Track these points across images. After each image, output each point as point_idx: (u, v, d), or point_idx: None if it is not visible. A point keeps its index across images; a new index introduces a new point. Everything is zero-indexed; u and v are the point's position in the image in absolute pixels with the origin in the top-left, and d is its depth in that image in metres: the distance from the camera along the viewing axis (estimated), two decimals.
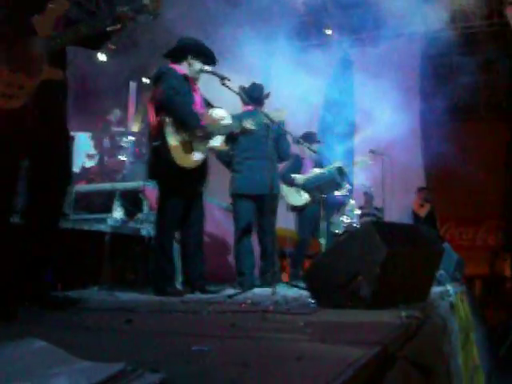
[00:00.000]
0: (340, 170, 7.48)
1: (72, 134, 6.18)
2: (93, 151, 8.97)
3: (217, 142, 5.59)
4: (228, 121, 5.68)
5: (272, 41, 14.01)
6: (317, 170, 8.37)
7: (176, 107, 5.31)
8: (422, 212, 12.65)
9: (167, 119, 5.25)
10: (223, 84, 5.41)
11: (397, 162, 9.80)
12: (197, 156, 5.39)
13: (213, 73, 5.53)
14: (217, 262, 7.82)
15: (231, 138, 5.79)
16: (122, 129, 9.06)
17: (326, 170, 7.76)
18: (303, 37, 14.04)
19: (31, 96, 3.15)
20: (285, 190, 8.29)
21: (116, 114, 9.28)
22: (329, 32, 13.95)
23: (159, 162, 5.28)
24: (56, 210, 3.42)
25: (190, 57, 5.56)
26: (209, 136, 5.47)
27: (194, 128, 5.34)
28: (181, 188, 5.40)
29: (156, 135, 5.29)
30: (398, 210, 11.60)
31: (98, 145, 8.95)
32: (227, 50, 14.58)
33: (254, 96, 6.77)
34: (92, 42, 3.82)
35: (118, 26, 3.64)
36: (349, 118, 13.39)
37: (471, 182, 13.79)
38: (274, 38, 13.96)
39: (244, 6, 11.99)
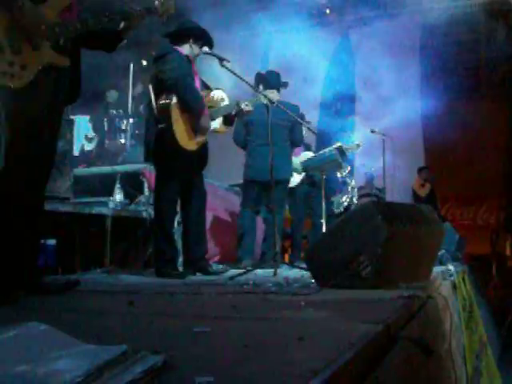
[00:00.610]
0: (341, 150, 7.46)
1: (71, 117, 6.17)
2: (92, 134, 8.95)
3: (216, 123, 5.60)
4: (226, 102, 5.67)
5: (272, 21, 13.96)
6: (308, 153, 8.38)
7: (185, 89, 5.28)
8: (423, 192, 12.64)
9: (173, 101, 5.23)
10: (222, 66, 5.39)
11: (397, 141, 9.77)
12: (198, 138, 5.38)
13: (212, 54, 5.51)
14: (221, 241, 7.88)
15: (229, 120, 5.78)
16: (121, 111, 9.03)
17: (326, 150, 7.73)
18: (303, 17, 13.94)
19: (34, 77, 3.16)
20: None
21: (112, 95, 9.24)
22: (328, 12, 13.87)
23: (162, 144, 5.25)
24: (38, 191, 3.40)
25: (191, 39, 5.53)
26: (205, 128, 5.47)
27: (196, 113, 5.33)
28: (179, 170, 5.39)
29: (161, 116, 5.27)
30: (400, 189, 11.59)
31: (97, 127, 8.92)
32: (226, 29, 14.58)
33: (271, 83, 6.84)
34: (105, 42, 3.84)
35: (126, 23, 3.66)
36: (350, 97, 13.34)
37: (472, 161, 13.75)
38: (273, 19, 13.92)
39: None
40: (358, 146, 9.03)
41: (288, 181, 7.35)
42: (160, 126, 5.24)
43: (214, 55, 5.53)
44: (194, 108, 5.33)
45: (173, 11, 4.04)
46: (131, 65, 9.20)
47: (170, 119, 5.20)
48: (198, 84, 5.58)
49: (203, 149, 5.56)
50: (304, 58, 12.42)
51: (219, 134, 5.82)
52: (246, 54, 13.23)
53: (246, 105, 5.66)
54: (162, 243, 5.37)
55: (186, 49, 5.53)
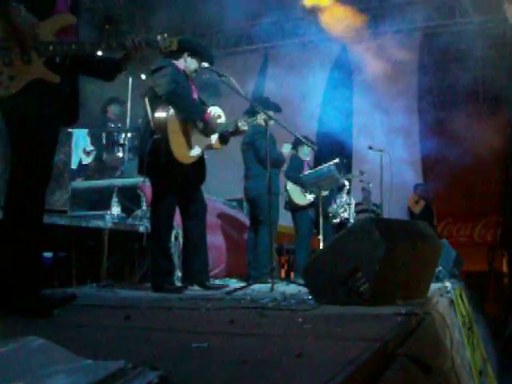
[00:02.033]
0: (338, 166, 7.49)
1: (69, 130, 6.17)
2: (90, 147, 8.94)
3: (212, 139, 5.62)
4: (223, 119, 5.70)
5: (270, 37, 14.05)
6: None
7: (181, 99, 5.31)
8: (417, 208, 12.65)
9: (170, 113, 5.24)
10: (221, 81, 5.42)
11: (395, 157, 9.79)
12: (194, 151, 5.39)
13: (211, 69, 5.54)
14: (225, 256, 7.95)
15: (224, 138, 5.79)
16: (119, 125, 9.02)
17: (324, 166, 7.76)
18: (302, 33, 14.03)
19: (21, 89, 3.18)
20: (289, 188, 8.34)
21: (113, 110, 9.25)
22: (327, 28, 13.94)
23: (157, 156, 5.24)
24: (38, 203, 3.40)
25: (186, 54, 5.54)
26: (210, 132, 5.50)
27: (198, 119, 5.37)
28: (175, 183, 5.39)
29: (157, 129, 5.26)
30: (397, 206, 11.60)
31: (95, 141, 8.92)
32: (226, 45, 14.66)
33: (268, 105, 7.00)
34: (104, 72, 3.87)
35: (125, 53, 3.69)
36: (347, 112, 13.38)
37: (469, 178, 13.79)
38: (271, 34, 14.01)
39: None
40: (362, 173, 9.10)
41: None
42: (155, 136, 5.24)
43: (213, 70, 5.57)
44: (195, 116, 5.37)
45: (175, 48, 4.05)
46: (130, 79, 9.20)
47: (166, 131, 5.20)
48: (195, 97, 5.60)
49: (200, 163, 5.57)
50: (302, 73, 12.46)
51: (215, 149, 5.83)
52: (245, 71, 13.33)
53: (243, 124, 5.69)
54: (159, 258, 5.36)
55: (181, 63, 5.55)
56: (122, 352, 1.95)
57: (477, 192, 14.10)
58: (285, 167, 8.11)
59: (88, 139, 8.91)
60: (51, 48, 3.30)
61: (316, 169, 8.09)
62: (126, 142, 8.51)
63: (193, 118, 5.37)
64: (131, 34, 3.70)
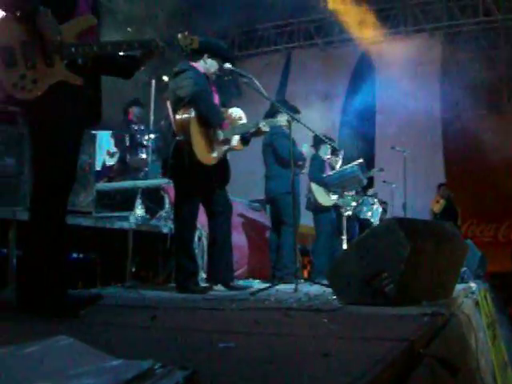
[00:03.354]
0: (362, 167, 7.47)
1: (93, 132, 6.21)
2: (114, 149, 9.00)
3: (234, 141, 5.63)
4: (244, 120, 5.71)
5: (292, 38, 14.06)
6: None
7: (203, 103, 5.33)
8: (437, 208, 12.60)
9: (192, 115, 5.26)
10: (244, 82, 5.43)
11: (418, 158, 9.75)
12: (216, 153, 5.41)
13: (234, 71, 5.55)
14: (249, 257, 7.98)
15: (246, 139, 5.80)
16: (142, 127, 9.07)
17: (347, 167, 7.73)
18: (324, 34, 14.02)
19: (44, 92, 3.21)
20: (314, 188, 8.32)
21: (135, 111, 9.30)
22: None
23: (180, 158, 5.27)
24: (63, 206, 3.43)
25: (206, 55, 5.55)
26: (228, 141, 5.53)
27: (216, 125, 5.39)
28: (198, 185, 5.42)
29: (180, 131, 5.30)
30: (420, 206, 11.54)
31: (118, 143, 8.97)
32: (248, 46, 14.69)
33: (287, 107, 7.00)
34: (122, 69, 3.88)
35: (145, 52, 3.70)
36: (370, 114, 13.33)
37: (492, 178, 13.67)
38: (293, 36, 14.02)
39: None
40: (382, 170, 9.06)
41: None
42: (178, 138, 5.26)
43: (236, 72, 5.58)
44: (215, 121, 5.39)
45: (196, 46, 4.07)
46: (153, 81, 9.25)
47: (188, 133, 5.23)
48: (216, 100, 5.62)
49: (223, 163, 5.59)
50: (325, 73, 12.45)
51: (236, 150, 5.83)
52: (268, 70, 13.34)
53: (264, 125, 5.69)
54: (183, 258, 5.39)
55: (201, 66, 5.56)
56: (149, 352, 1.96)
57: (500, 192, 13.98)
58: (307, 168, 8.09)
59: (111, 141, 8.97)
60: (73, 50, 3.33)
61: (339, 169, 8.08)
62: (150, 144, 8.56)
63: (212, 123, 5.39)
64: (153, 35, 3.71)
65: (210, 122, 5.36)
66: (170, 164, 5.35)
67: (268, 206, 8.45)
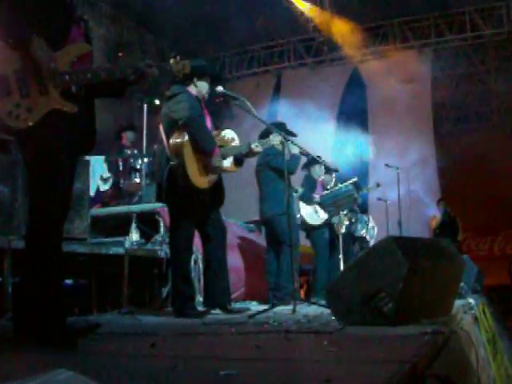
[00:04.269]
0: (357, 185, 7.48)
1: (86, 158, 6.20)
2: (107, 174, 8.98)
3: (227, 163, 5.64)
4: (237, 142, 5.72)
5: (282, 59, 14.13)
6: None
7: (197, 129, 5.35)
8: (433, 224, 12.65)
9: (185, 139, 5.27)
10: (236, 105, 5.45)
11: (412, 174, 9.77)
12: (209, 177, 5.42)
13: (226, 94, 5.56)
14: (246, 279, 7.95)
15: (239, 160, 5.81)
16: (135, 151, 9.07)
17: (342, 186, 7.74)
18: (314, 53, 14.10)
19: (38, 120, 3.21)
20: (301, 208, 8.31)
21: (128, 136, 9.31)
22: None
23: (174, 182, 5.27)
24: (59, 233, 3.42)
25: (195, 79, 5.57)
26: (212, 169, 5.49)
27: (207, 152, 5.38)
28: (193, 208, 5.41)
29: (173, 155, 5.30)
30: (416, 223, 11.54)
31: (112, 168, 8.97)
32: (238, 68, 14.76)
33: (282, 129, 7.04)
34: (114, 90, 3.88)
35: (138, 77, 3.70)
36: (363, 131, 13.36)
37: (486, 191, 13.73)
38: (284, 56, 14.09)
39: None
40: (378, 185, 9.07)
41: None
42: (172, 163, 5.27)
43: (228, 95, 5.60)
44: (206, 149, 5.37)
45: (188, 71, 4.09)
46: (145, 105, 9.27)
47: (182, 157, 5.23)
48: (208, 123, 5.63)
49: (218, 186, 5.58)
50: (316, 93, 12.49)
51: (229, 172, 5.84)
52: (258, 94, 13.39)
53: (256, 146, 5.71)
54: (180, 283, 5.36)
55: (192, 89, 5.57)
56: (150, 381, 1.94)
57: (495, 206, 14.03)
58: (299, 192, 8.10)
59: (105, 166, 8.96)
60: (67, 78, 3.32)
61: (334, 189, 8.08)
62: (143, 168, 8.55)
63: (203, 151, 5.37)
64: (144, 59, 3.71)
65: (202, 148, 5.36)
66: (164, 188, 5.35)
67: (263, 228, 8.44)
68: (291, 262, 5.85)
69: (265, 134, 6.77)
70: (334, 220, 8.34)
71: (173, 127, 5.36)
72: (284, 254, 7.03)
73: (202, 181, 5.34)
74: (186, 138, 5.28)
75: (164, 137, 5.41)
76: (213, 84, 5.65)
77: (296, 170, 7.29)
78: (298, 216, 8.30)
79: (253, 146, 5.67)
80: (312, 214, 8.24)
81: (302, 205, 8.31)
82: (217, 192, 5.61)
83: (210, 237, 5.59)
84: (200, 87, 5.59)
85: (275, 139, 5.90)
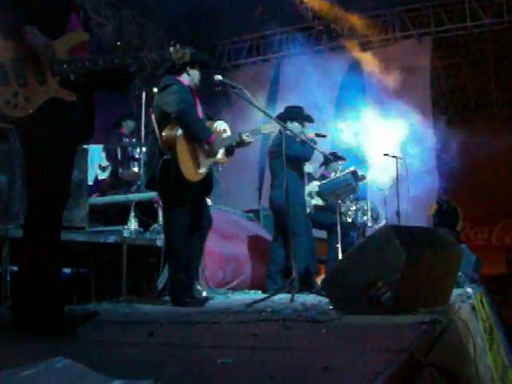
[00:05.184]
0: (354, 175, 7.46)
1: (85, 146, 6.19)
2: (106, 163, 8.98)
3: (219, 154, 5.66)
4: (229, 133, 5.75)
5: (281, 48, 14.08)
6: (315, 183, 8.32)
7: (190, 121, 5.35)
8: (430, 212, 12.68)
9: (178, 133, 5.28)
10: (235, 93, 5.44)
11: (410, 163, 9.73)
12: (202, 169, 5.46)
13: (224, 82, 5.55)
14: (248, 268, 7.97)
15: (230, 151, 5.81)
16: (134, 140, 9.07)
17: (340, 175, 7.72)
18: (313, 42, 14.05)
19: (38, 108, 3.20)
20: None
21: (129, 125, 9.31)
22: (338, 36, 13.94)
23: (167, 176, 5.30)
24: (57, 223, 3.41)
25: (188, 67, 5.57)
26: (215, 152, 5.55)
27: (204, 141, 5.41)
28: (185, 200, 5.44)
29: (166, 148, 5.32)
30: (415, 213, 11.52)
31: (110, 156, 8.96)
32: (237, 56, 14.71)
33: (293, 116, 7.22)
34: (117, 84, 3.86)
35: (137, 65, 3.68)
36: (361, 121, 13.32)
37: (484, 181, 13.73)
38: (282, 46, 14.04)
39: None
40: (363, 176, 9.01)
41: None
42: (165, 157, 5.27)
43: (226, 83, 5.58)
44: (203, 138, 5.41)
45: (187, 59, 4.08)
46: (143, 93, 9.24)
47: (175, 151, 5.25)
48: (200, 113, 5.62)
49: (208, 178, 5.61)
50: (315, 82, 12.45)
51: (221, 163, 5.87)
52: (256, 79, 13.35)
53: (247, 136, 5.70)
54: (177, 272, 5.36)
55: (185, 78, 5.56)
56: (148, 369, 1.95)
57: (493, 195, 14.04)
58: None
59: (103, 155, 8.96)
60: (65, 66, 3.31)
61: (332, 178, 8.06)
62: (142, 157, 8.54)
63: (199, 140, 5.41)
64: (143, 48, 3.69)
65: (198, 138, 5.38)
66: (157, 180, 5.37)
67: (262, 217, 8.42)
68: (289, 252, 5.84)
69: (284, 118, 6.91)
70: (343, 209, 8.30)
71: (165, 119, 5.37)
72: (298, 244, 6.96)
73: (194, 174, 5.38)
74: (179, 131, 5.28)
75: (156, 127, 5.42)
76: (210, 72, 5.64)
77: (312, 155, 7.28)
78: None
79: (244, 137, 5.67)
80: None
81: None
82: (205, 182, 5.63)
83: (194, 229, 5.60)
84: (192, 76, 5.58)
85: (266, 127, 5.88)
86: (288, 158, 6.72)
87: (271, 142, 7.00)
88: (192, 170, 5.35)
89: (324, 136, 7.58)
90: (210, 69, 5.66)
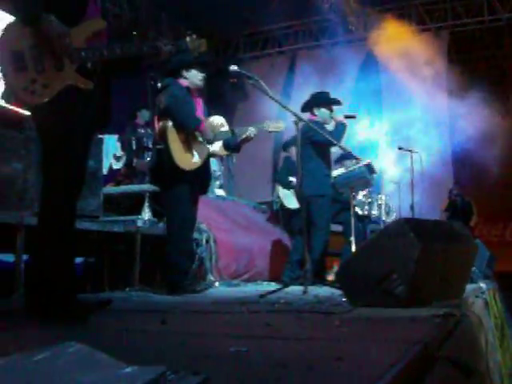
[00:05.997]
0: (370, 167, 7.42)
1: (99, 136, 6.22)
2: (120, 153, 9.02)
3: (216, 147, 5.79)
4: (226, 128, 5.81)
5: (297, 40, 14.03)
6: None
7: (175, 111, 5.48)
8: (443, 207, 12.64)
9: (169, 124, 5.46)
10: (251, 84, 5.45)
11: (426, 158, 9.69)
12: (196, 159, 5.56)
13: (240, 73, 5.53)
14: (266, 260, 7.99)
15: (236, 146, 5.92)
16: (149, 130, 9.09)
17: (355, 168, 7.67)
18: (329, 35, 13.99)
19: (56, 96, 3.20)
20: (280, 192, 8.27)
21: (144, 115, 9.31)
22: (353, 29, 13.85)
23: (161, 164, 5.49)
24: (72, 211, 3.42)
25: (183, 71, 5.67)
26: (209, 141, 5.64)
27: (193, 129, 5.53)
28: (183, 188, 5.52)
29: (159, 139, 5.55)
30: (429, 207, 11.48)
31: (125, 147, 8.99)
32: (253, 48, 14.68)
33: (318, 101, 7.25)
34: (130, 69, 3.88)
35: (153, 53, 3.68)
36: (376, 114, 13.25)
37: (499, 176, 13.62)
38: (298, 38, 13.99)
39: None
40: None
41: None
42: (158, 146, 5.41)
43: (242, 74, 5.56)
44: (191, 126, 5.52)
45: (204, 49, 4.08)
46: (158, 84, 9.24)
47: (167, 140, 5.43)
48: (200, 111, 5.76)
49: (203, 168, 5.70)
50: (330, 74, 12.41)
51: (218, 156, 5.97)
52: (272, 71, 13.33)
53: (252, 131, 5.71)
54: (175, 256, 5.50)
55: (183, 80, 5.63)
56: (161, 357, 1.95)
57: (507, 191, 13.93)
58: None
59: (118, 145, 8.99)
60: (83, 54, 3.32)
61: (347, 170, 8.01)
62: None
63: (187, 128, 5.52)
64: (158, 38, 3.70)
65: (186, 126, 5.52)
66: (152, 170, 5.49)
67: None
68: (303, 244, 5.82)
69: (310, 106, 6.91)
70: (356, 202, 8.25)
71: (162, 115, 5.58)
72: (316, 236, 6.93)
73: (188, 163, 5.50)
74: (170, 123, 5.48)
75: (156, 124, 5.69)
76: (226, 64, 5.71)
77: (342, 138, 7.20)
78: (278, 200, 8.31)
79: (248, 133, 5.67)
80: (290, 198, 8.11)
81: (280, 189, 8.27)
82: (203, 178, 5.70)
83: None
84: (190, 78, 5.68)
85: (271, 125, 5.86)
86: (316, 143, 6.72)
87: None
88: (185, 159, 5.49)
89: (353, 117, 7.57)
90: (207, 67, 5.75)
